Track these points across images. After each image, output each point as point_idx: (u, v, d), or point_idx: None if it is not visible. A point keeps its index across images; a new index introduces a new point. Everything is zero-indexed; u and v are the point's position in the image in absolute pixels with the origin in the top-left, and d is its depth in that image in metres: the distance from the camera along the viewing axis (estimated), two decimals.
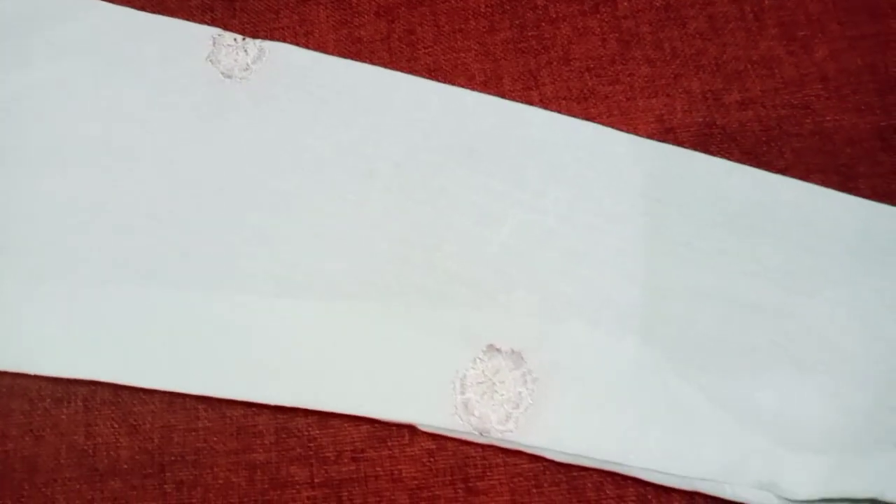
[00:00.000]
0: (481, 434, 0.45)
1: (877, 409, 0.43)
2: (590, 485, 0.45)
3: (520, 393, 0.45)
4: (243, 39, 0.57)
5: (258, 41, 0.57)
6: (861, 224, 0.48)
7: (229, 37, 0.57)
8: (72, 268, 0.51)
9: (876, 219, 0.48)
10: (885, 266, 0.46)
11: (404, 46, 0.57)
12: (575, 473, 0.45)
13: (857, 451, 0.42)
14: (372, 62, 0.57)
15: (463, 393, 0.45)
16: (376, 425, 0.47)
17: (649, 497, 0.45)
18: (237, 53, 0.57)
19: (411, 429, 0.46)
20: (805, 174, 0.51)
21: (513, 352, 0.46)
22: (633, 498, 0.45)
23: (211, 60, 0.56)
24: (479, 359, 0.46)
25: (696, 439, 0.43)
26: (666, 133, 0.53)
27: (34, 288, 0.50)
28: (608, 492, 0.45)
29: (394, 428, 0.47)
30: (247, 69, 0.56)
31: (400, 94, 0.55)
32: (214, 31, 0.57)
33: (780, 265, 0.47)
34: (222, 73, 0.56)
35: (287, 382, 0.47)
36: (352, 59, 0.57)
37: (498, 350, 0.46)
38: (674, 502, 0.45)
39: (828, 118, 0.53)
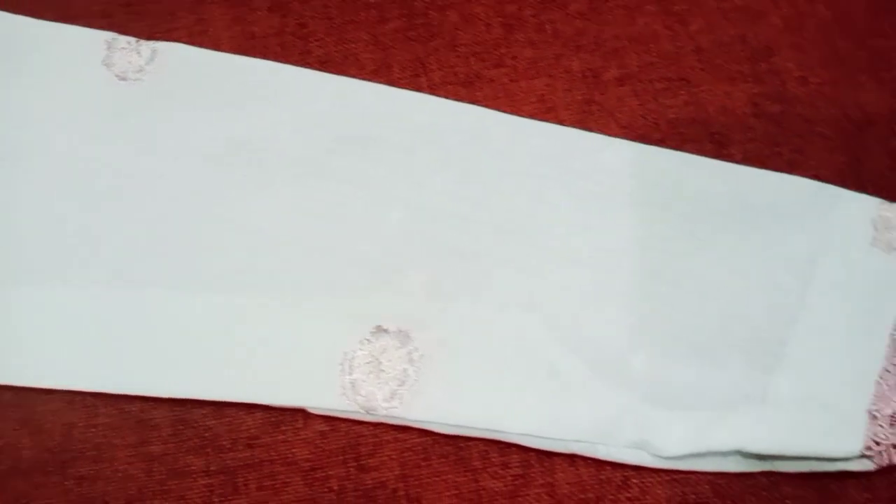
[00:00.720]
0: (368, 412, 0.46)
1: (745, 367, 0.45)
2: (476, 454, 0.46)
3: (405, 370, 0.46)
4: (137, 42, 0.58)
5: (151, 42, 0.57)
6: (733, 189, 0.49)
7: (123, 40, 0.58)
8: None
9: (747, 183, 0.49)
10: (754, 228, 0.48)
11: (297, 40, 0.58)
12: (461, 444, 0.46)
13: (724, 407, 0.44)
14: (265, 57, 0.57)
15: (351, 374, 0.46)
16: (270, 412, 0.48)
17: (532, 462, 0.46)
18: (131, 56, 0.57)
19: (305, 413, 0.47)
20: (680, 144, 0.53)
21: (400, 331, 0.47)
22: (518, 463, 0.46)
23: (106, 64, 0.57)
24: (367, 340, 0.47)
25: (571, 403, 0.45)
26: (547, 112, 0.55)
27: None
28: (493, 459, 0.46)
29: (288, 413, 0.48)
30: (141, 70, 0.57)
31: (291, 86, 0.55)
32: (109, 35, 0.58)
33: (656, 232, 0.48)
34: (117, 76, 0.57)
35: (182, 375, 0.48)
36: (245, 54, 0.57)
37: (385, 330, 0.47)
38: (556, 465, 0.46)
39: (703, 88, 0.54)
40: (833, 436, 0.42)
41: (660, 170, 0.50)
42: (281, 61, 0.57)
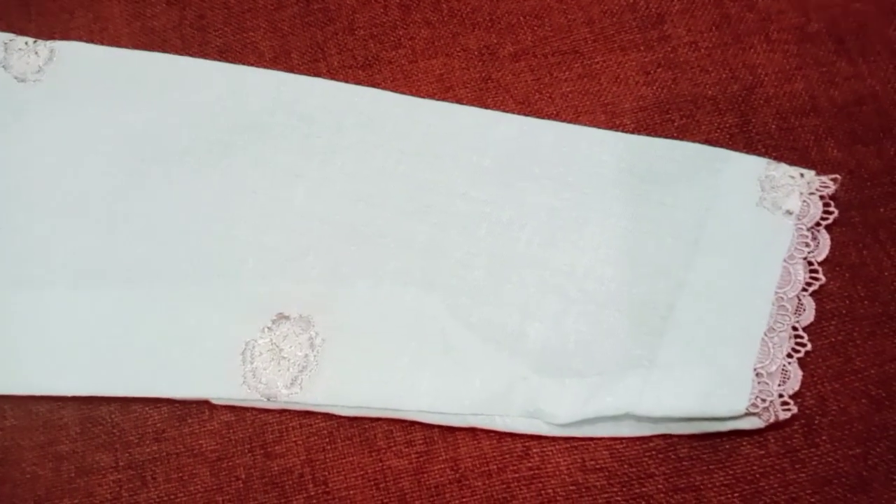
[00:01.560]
0: (269, 399, 0.45)
1: (634, 332, 0.45)
2: (380, 434, 0.46)
3: (306, 356, 0.46)
4: (34, 42, 0.56)
5: (49, 42, 0.56)
6: (621, 157, 0.49)
7: (20, 41, 0.57)
8: None
9: (635, 151, 0.50)
10: (642, 195, 0.48)
11: (195, 32, 0.57)
12: (366, 426, 0.46)
13: (613, 372, 0.44)
14: (165, 50, 0.57)
15: (252, 362, 0.46)
16: (176, 405, 0.47)
17: (435, 438, 0.46)
18: (28, 56, 0.56)
19: (211, 405, 0.47)
20: (575, 117, 0.53)
21: (301, 317, 0.47)
22: (421, 440, 0.46)
23: (3, 66, 0.56)
24: (268, 327, 0.47)
25: (465, 377, 0.45)
26: (446, 91, 0.54)
27: None
28: (397, 438, 0.46)
29: (194, 406, 0.47)
30: (39, 71, 0.56)
31: (186, 77, 0.55)
32: (5, 36, 0.57)
33: (545, 203, 0.48)
34: (15, 78, 0.56)
35: (87, 372, 0.47)
36: (146, 49, 0.56)
37: (287, 317, 0.47)
38: (459, 440, 0.46)
39: (596, 60, 0.54)
40: (720, 396, 0.42)
41: (551, 143, 0.50)
42: (180, 54, 0.56)
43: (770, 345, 0.43)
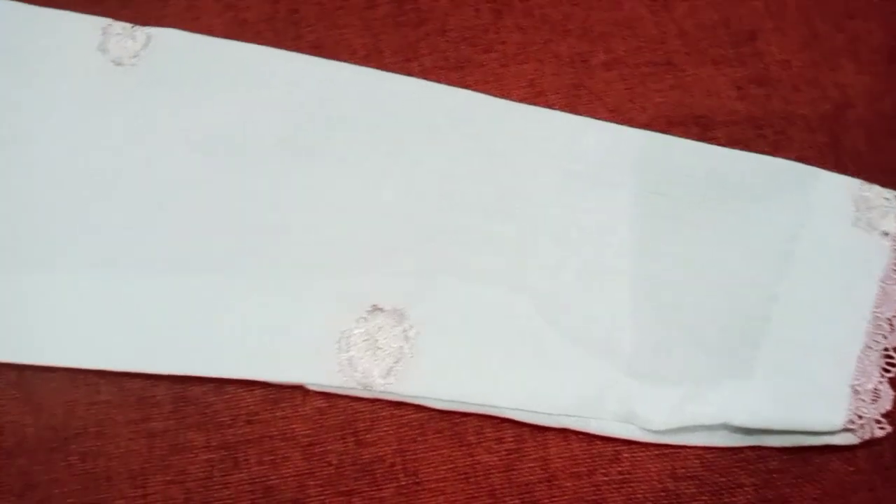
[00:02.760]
0: (365, 388, 0.45)
1: (728, 342, 0.45)
2: (470, 429, 0.46)
3: (401, 348, 0.46)
4: (132, 27, 0.57)
5: (146, 28, 0.56)
6: (715, 170, 0.49)
7: (118, 26, 0.57)
8: None
9: (729, 164, 0.49)
10: (734, 208, 0.48)
11: (289, 26, 0.58)
12: (456, 420, 0.46)
13: (708, 381, 0.44)
14: (257, 43, 0.57)
15: (347, 351, 0.46)
16: (269, 389, 0.47)
17: (525, 437, 0.46)
18: (126, 42, 0.56)
19: (304, 391, 0.47)
20: (666, 127, 0.53)
21: (395, 310, 0.47)
22: (511, 438, 0.46)
23: (101, 50, 0.56)
24: (363, 318, 0.47)
25: (559, 378, 0.45)
26: (537, 96, 0.54)
27: None
28: (487, 434, 0.46)
29: (287, 390, 0.48)
30: (136, 56, 0.56)
31: (282, 70, 0.55)
32: (104, 21, 0.57)
33: (640, 212, 0.48)
34: (112, 62, 0.56)
35: (181, 353, 0.48)
36: (237, 40, 0.56)
37: (381, 309, 0.47)
38: (549, 440, 0.46)
39: (687, 73, 0.54)
40: (816, 410, 0.42)
41: (643, 152, 0.50)
42: (273, 47, 0.56)
43: (866, 362, 0.43)
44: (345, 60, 0.56)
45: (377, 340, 0.46)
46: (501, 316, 0.46)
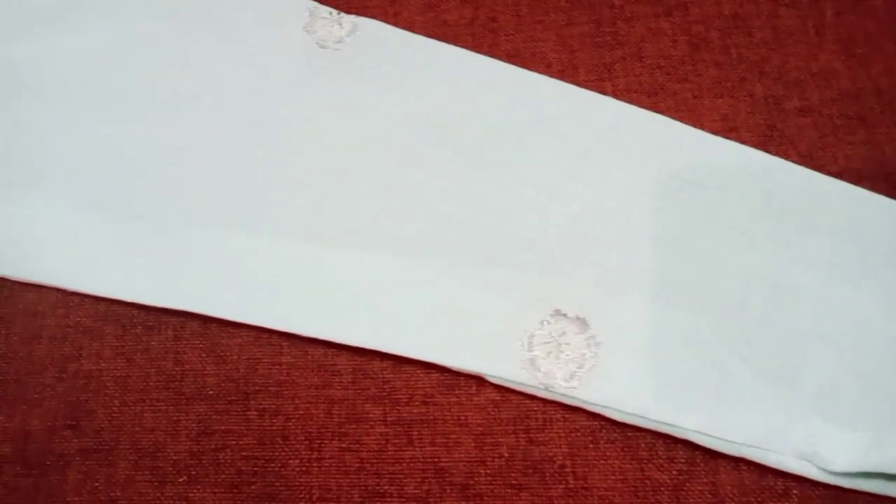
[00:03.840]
0: (546, 389, 0.46)
1: None
2: (643, 444, 0.46)
3: (584, 354, 0.46)
4: (338, 14, 0.59)
5: (352, 16, 0.58)
6: None
7: (324, 10, 0.59)
8: (162, 207, 0.52)
9: None
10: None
11: (487, 32, 0.59)
12: (630, 433, 0.46)
13: (894, 428, 0.43)
14: (455, 45, 0.58)
15: (530, 350, 0.47)
16: (446, 374, 0.48)
17: (697, 460, 0.46)
18: (332, 26, 0.58)
19: (478, 380, 0.48)
20: (856, 180, 0.52)
21: (578, 317, 0.48)
22: (683, 459, 0.46)
23: (307, 31, 0.58)
24: (546, 321, 0.48)
25: (742, 407, 0.45)
26: (730, 131, 0.55)
27: (128, 224, 0.52)
28: (659, 452, 0.46)
29: (462, 378, 0.48)
30: (340, 41, 0.58)
31: (480, 74, 0.56)
32: (311, 3, 0.59)
33: (827, 256, 0.48)
34: (317, 44, 0.58)
35: (366, 327, 0.49)
36: (437, 40, 0.58)
37: (564, 315, 0.48)
38: (720, 466, 0.46)
39: (881, 130, 0.54)
40: None
41: (835, 200, 0.50)
42: (471, 51, 0.57)
43: None
44: (540, 72, 0.57)
45: (560, 345, 0.47)
46: (683, 337, 0.47)
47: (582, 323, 0.47)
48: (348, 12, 0.59)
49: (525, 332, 0.47)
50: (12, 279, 0.53)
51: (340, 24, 0.58)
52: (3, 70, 0.58)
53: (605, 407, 0.46)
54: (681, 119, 0.55)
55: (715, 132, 0.54)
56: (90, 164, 0.54)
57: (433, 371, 0.48)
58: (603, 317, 0.48)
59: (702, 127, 0.55)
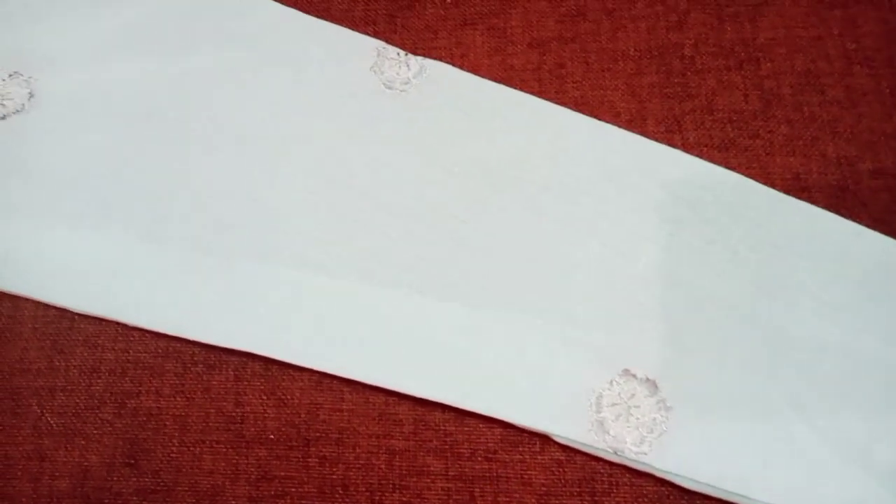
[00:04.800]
0: (616, 453, 0.44)
1: None
2: None
3: (654, 419, 0.45)
4: (405, 55, 0.58)
5: (419, 58, 0.57)
6: None
7: (392, 50, 0.58)
8: (227, 243, 0.51)
9: None
10: None
11: (553, 78, 0.58)
12: (698, 502, 0.45)
13: None
14: (521, 89, 0.57)
15: (599, 412, 0.45)
16: (509, 430, 0.47)
17: None
18: (399, 67, 0.57)
19: (542, 438, 0.46)
20: None
21: (647, 379, 0.46)
22: None
23: (374, 70, 0.57)
24: (615, 381, 0.46)
25: (816, 480, 0.43)
26: (801, 191, 0.53)
27: (198, 259, 0.51)
28: None
29: (525, 434, 0.47)
30: (407, 83, 0.57)
31: (548, 121, 0.55)
32: (378, 43, 0.58)
33: None
34: (384, 84, 0.57)
35: (429, 377, 0.47)
36: (502, 84, 0.57)
37: (633, 375, 0.46)
38: None
39: None
40: None
41: None
42: (537, 96, 0.56)
43: None
44: (607, 121, 0.55)
45: (629, 407, 0.45)
46: (757, 406, 0.45)
47: (651, 385, 0.46)
48: (416, 54, 0.57)
49: (593, 391, 0.46)
50: (73, 310, 0.51)
51: (408, 65, 0.57)
52: (76, 97, 0.57)
53: (674, 475, 0.44)
54: (752, 175, 0.53)
55: (786, 190, 0.53)
56: (156, 196, 0.54)
57: (496, 426, 0.47)
58: (673, 379, 0.46)
59: (773, 185, 0.53)
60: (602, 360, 0.46)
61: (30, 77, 0.57)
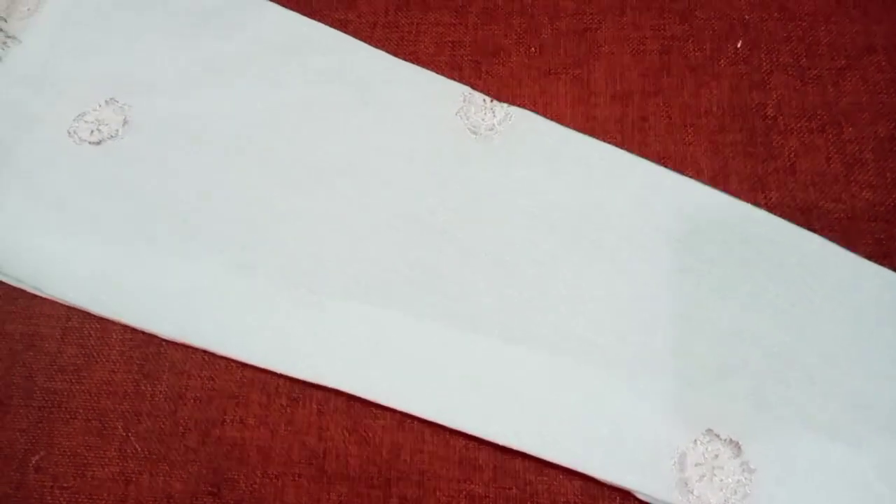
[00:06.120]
0: None
1: None
2: None
3: (739, 481, 0.44)
4: (491, 101, 0.58)
5: (505, 105, 0.57)
6: None
7: (479, 97, 0.58)
8: (319, 280, 0.51)
9: None
10: None
11: (636, 132, 0.57)
12: None
13: None
14: (604, 140, 0.57)
15: (682, 471, 0.45)
16: (588, 483, 0.46)
17: None
18: (485, 113, 0.57)
19: (622, 493, 0.46)
20: None
21: (731, 440, 0.45)
22: None
23: (460, 115, 0.57)
24: (699, 441, 0.46)
25: None
26: (883, 258, 0.52)
27: (285, 292, 0.51)
28: None
29: (605, 489, 0.46)
30: (492, 129, 0.57)
31: (632, 173, 0.55)
32: (465, 88, 0.58)
33: None
34: (469, 129, 0.57)
35: (511, 425, 0.47)
36: (584, 133, 0.57)
37: (717, 436, 0.46)
38: None
39: None
40: None
41: None
42: (620, 148, 0.56)
43: None
44: (690, 177, 0.55)
45: (713, 468, 0.44)
46: (842, 477, 0.44)
47: (735, 446, 0.45)
48: (501, 101, 0.57)
49: (676, 449, 0.45)
50: (161, 336, 0.51)
51: (493, 111, 0.57)
52: (168, 124, 0.58)
53: None
54: (834, 238, 0.53)
55: (869, 256, 0.52)
56: (245, 227, 0.54)
57: (576, 478, 0.46)
58: (757, 441, 0.45)
59: (855, 250, 0.52)
60: (687, 418, 0.46)
61: (125, 104, 0.58)
